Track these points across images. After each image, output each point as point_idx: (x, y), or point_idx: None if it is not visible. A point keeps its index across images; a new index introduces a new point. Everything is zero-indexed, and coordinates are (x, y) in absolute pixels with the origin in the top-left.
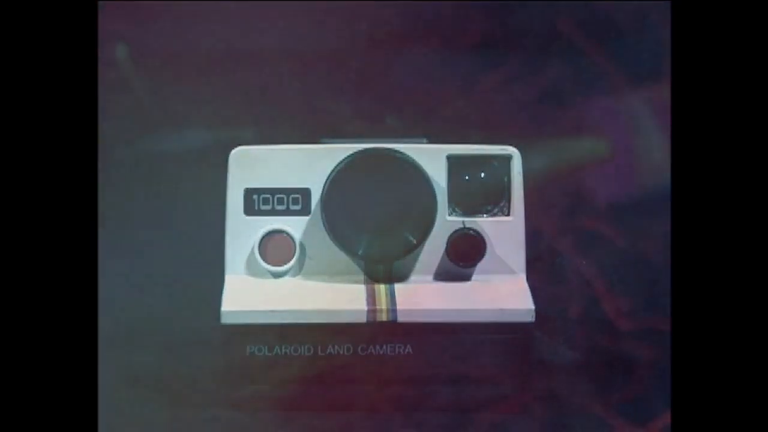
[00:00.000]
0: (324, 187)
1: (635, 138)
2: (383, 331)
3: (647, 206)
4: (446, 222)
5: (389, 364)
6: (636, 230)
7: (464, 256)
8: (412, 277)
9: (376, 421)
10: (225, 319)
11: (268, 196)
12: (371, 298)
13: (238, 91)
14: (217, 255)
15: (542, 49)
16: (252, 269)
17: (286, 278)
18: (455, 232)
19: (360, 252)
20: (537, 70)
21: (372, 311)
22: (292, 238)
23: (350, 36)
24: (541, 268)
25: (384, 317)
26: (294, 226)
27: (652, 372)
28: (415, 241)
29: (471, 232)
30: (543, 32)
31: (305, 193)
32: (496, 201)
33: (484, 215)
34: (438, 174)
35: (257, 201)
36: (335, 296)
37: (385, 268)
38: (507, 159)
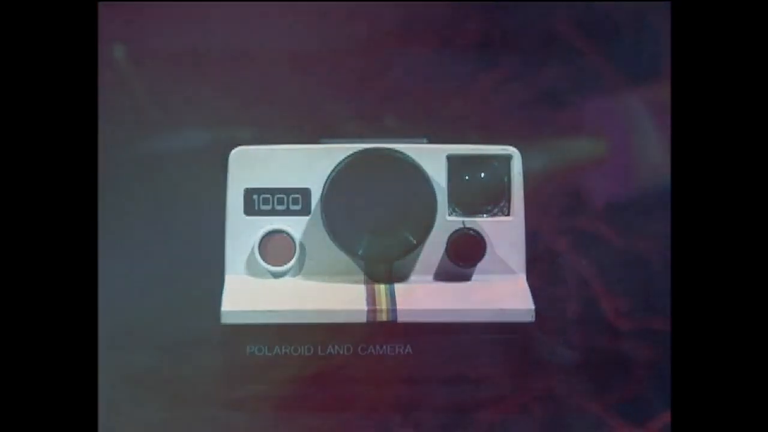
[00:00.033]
0: (324, 187)
1: (633, 138)
2: (383, 331)
3: (645, 206)
4: (446, 222)
5: (389, 364)
6: (634, 230)
7: (464, 256)
8: (412, 277)
9: (375, 421)
10: (225, 319)
11: (268, 196)
12: (371, 298)
13: (238, 91)
14: (217, 255)
15: (540, 49)
16: (252, 269)
17: (286, 278)
18: (455, 232)
19: (360, 252)
20: (535, 70)
21: (372, 311)
22: (292, 238)
23: (348, 36)
24: (539, 268)
25: (384, 317)
26: (294, 226)
27: (650, 372)
28: (415, 241)
29: (471, 232)
30: (541, 32)
31: (305, 193)
32: (496, 201)
33: (484, 215)
34: (438, 174)
35: (257, 201)
36: (335, 296)
37: (385, 268)
38: (507, 159)
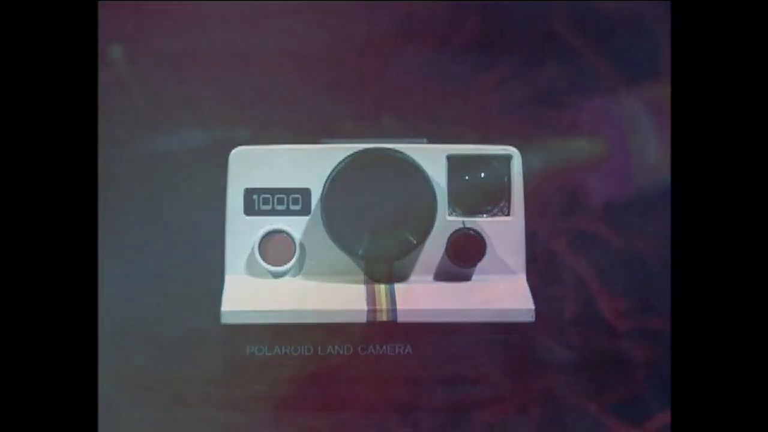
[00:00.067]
0: (324, 187)
1: (632, 138)
2: (383, 331)
3: (643, 206)
4: (446, 222)
5: (389, 364)
6: (632, 230)
7: (464, 256)
8: (412, 277)
9: (375, 421)
10: (225, 319)
11: (268, 196)
12: (371, 298)
13: (237, 91)
14: (217, 255)
15: (539, 49)
16: (252, 269)
17: (286, 278)
18: (455, 232)
19: (360, 252)
20: (533, 70)
21: (372, 311)
22: (292, 238)
23: (346, 36)
24: (537, 268)
25: (384, 317)
26: (294, 226)
27: (648, 372)
28: (415, 241)
29: (471, 232)
30: (539, 32)
31: (305, 193)
32: (496, 201)
33: (484, 215)
34: (438, 174)
35: (257, 201)
36: (335, 296)
37: (385, 268)
38: (507, 159)
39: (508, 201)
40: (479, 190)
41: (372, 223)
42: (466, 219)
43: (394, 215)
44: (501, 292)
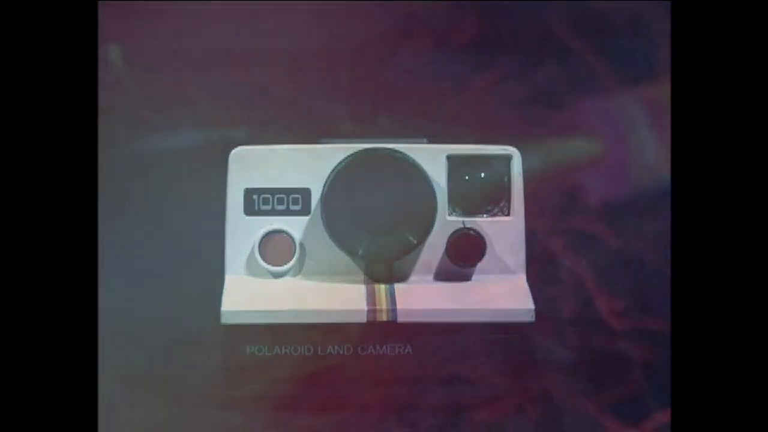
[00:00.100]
0: (324, 187)
1: (630, 138)
2: (383, 331)
3: (641, 206)
4: (446, 222)
5: (389, 364)
6: (629, 230)
7: (464, 256)
8: (412, 277)
9: (375, 421)
10: (225, 319)
11: (268, 196)
12: (371, 298)
13: (237, 91)
14: (217, 255)
15: (536, 49)
16: (252, 269)
17: (286, 278)
18: (455, 232)
19: (360, 252)
20: (531, 70)
21: (372, 311)
22: (292, 238)
23: (344, 36)
24: (535, 268)
25: (384, 317)
26: (294, 226)
27: (646, 372)
28: (415, 241)
29: (471, 232)
30: (537, 32)
31: (305, 193)
32: (496, 201)
33: (484, 215)
34: (438, 174)
35: (257, 201)
36: (335, 296)
37: (385, 268)
38: (507, 159)
39: (508, 201)
40: (479, 190)
41: (372, 223)
42: (466, 219)
43: (394, 215)
44: (501, 292)
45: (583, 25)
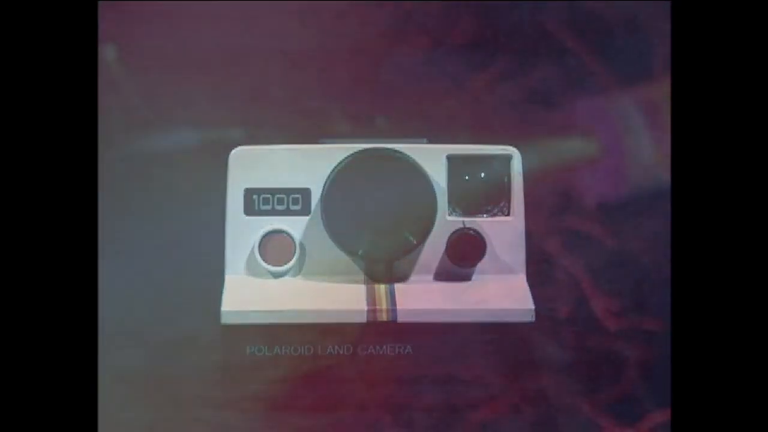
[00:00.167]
0: (324, 187)
1: (626, 138)
2: (383, 331)
3: (637, 206)
4: (446, 222)
5: (389, 364)
6: (626, 230)
7: (464, 256)
8: (412, 277)
9: (375, 421)
10: (225, 319)
11: (268, 196)
12: (371, 298)
13: (237, 91)
14: (217, 255)
15: (532, 49)
16: (252, 269)
17: (286, 278)
18: (455, 232)
19: (360, 252)
20: (527, 70)
21: (372, 311)
22: (292, 238)
23: (340, 36)
24: (531, 268)
25: (384, 317)
26: (294, 226)
27: (641, 372)
28: (415, 241)
29: (471, 232)
30: (533, 32)
31: (305, 193)
32: (496, 201)
33: (484, 215)
34: (438, 174)
35: (257, 201)
36: (335, 296)
37: (385, 268)
38: (507, 159)
39: (508, 201)
40: (479, 190)
41: (372, 223)
42: (466, 219)
43: (394, 215)
44: (501, 292)
45: (579, 25)
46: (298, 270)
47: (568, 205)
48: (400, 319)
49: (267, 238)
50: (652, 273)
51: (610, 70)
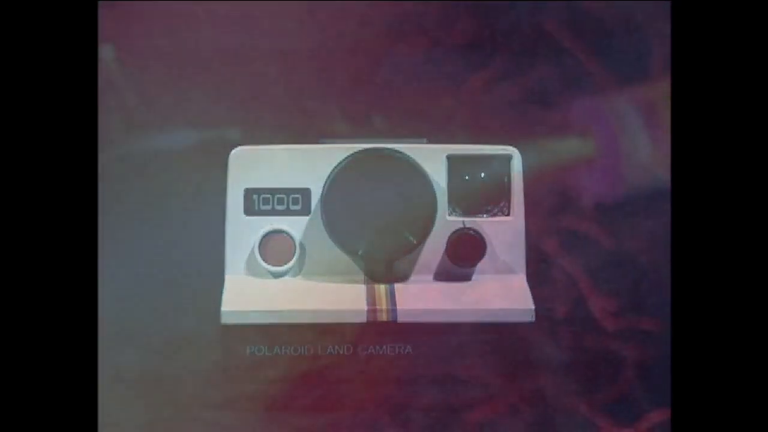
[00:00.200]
0: (324, 187)
1: (623, 138)
2: (383, 331)
3: (635, 206)
4: (446, 222)
5: (389, 364)
6: (623, 230)
7: (464, 256)
8: (412, 277)
9: (374, 421)
10: (225, 319)
11: (268, 196)
12: (371, 298)
13: (236, 91)
14: (217, 255)
15: (530, 49)
16: (252, 269)
17: (286, 278)
18: (455, 232)
19: (360, 252)
20: (525, 70)
21: (372, 311)
22: (292, 238)
23: (338, 36)
24: (528, 268)
25: (384, 317)
26: (294, 226)
27: (639, 372)
28: (415, 241)
29: (471, 232)
30: (531, 32)
31: (305, 193)
32: (496, 201)
33: (484, 215)
34: (438, 174)
35: (257, 201)
36: (335, 296)
37: (385, 268)
38: (507, 159)
39: (508, 201)
40: (479, 190)
41: (372, 223)
42: (466, 219)
43: (394, 215)
44: (501, 292)
45: (577, 25)
46: (298, 270)
47: (566, 205)
48: (400, 319)
49: (267, 238)
50: (650, 273)
51: (608, 71)
